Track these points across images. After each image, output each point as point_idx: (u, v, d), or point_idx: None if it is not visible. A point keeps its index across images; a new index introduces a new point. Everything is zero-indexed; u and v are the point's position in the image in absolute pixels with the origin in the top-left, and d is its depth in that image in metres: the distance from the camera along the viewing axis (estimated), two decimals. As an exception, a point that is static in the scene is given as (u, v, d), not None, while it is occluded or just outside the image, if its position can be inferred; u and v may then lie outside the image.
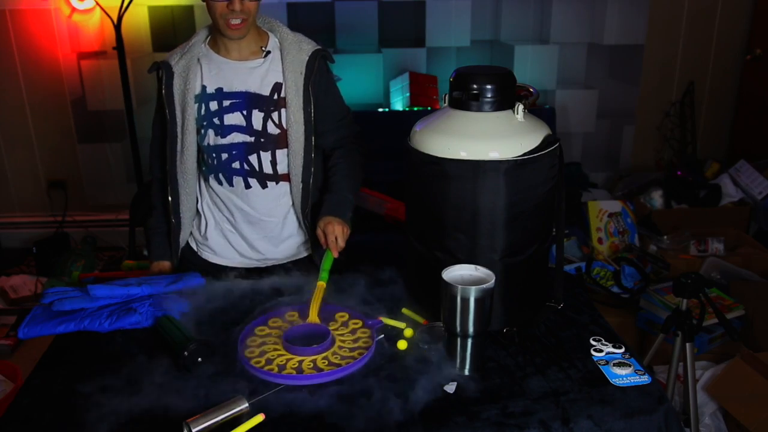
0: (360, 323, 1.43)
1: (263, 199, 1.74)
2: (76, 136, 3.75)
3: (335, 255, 1.60)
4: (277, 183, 1.74)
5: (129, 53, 3.34)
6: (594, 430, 1.10)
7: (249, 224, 1.78)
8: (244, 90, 1.68)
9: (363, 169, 1.83)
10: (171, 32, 3.64)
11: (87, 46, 3.58)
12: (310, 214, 1.76)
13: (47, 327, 1.38)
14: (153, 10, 3.58)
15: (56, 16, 3.51)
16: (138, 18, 3.52)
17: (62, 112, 3.69)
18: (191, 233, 1.86)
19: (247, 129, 1.69)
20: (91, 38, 3.57)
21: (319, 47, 1.75)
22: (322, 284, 1.49)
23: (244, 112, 1.69)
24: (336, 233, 1.63)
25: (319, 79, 1.72)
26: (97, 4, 3.33)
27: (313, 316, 1.41)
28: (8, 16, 3.52)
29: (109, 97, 3.56)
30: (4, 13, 3.51)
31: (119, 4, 3.16)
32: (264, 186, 1.73)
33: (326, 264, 1.55)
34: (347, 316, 1.45)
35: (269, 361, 1.28)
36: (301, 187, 1.73)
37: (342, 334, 1.38)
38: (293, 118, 1.68)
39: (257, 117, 1.69)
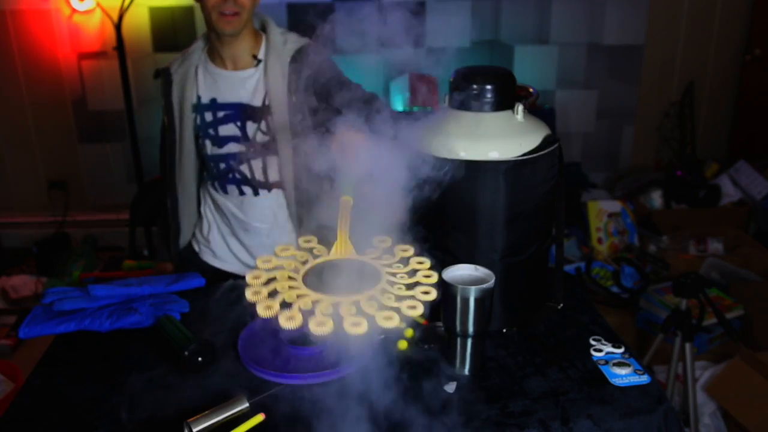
0: (410, 250, 1.13)
1: (256, 207, 1.73)
2: (76, 136, 3.76)
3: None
4: (269, 191, 1.72)
5: (129, 54, 3.35)
6: (594, 429, 1.10)
7: (244, 231, 1.78)
8: (237, 101, 1.67)
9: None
10: (171, 33, 3.64)
11: (87, 47, 3.58)
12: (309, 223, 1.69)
13: (47, 327, 1.38)
14: (153, 11, 3.58)
15: (56, 16, 3.51)
16: (138, 18, 3.52)
17: (63, 113, 3.70)
18: (194, 234, 1.87)
19: (243, 139, 1.68)
20: (92, 39, 3.57)
21: (303, 44, 1.66)
22: (347, 199, 1.18)
23: (238, 123, 1.67)
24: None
25: (310, 74, 1.60)
26: (98, 4, 3.34)
27: (343, 243, 1.12)
28: (8, 17, 3.52)
29: (109, 97, 3.56)
30: (4, 14, 3.51)
31: (119, 5, 3.17)
32: (256, 194, 1.72)
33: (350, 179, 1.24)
34: (389, 241, 1.17)
35: (286, 305, 1.01)
36: (294, 195, 1.69)
37: (389, 265, 1.11)
38: (279, 125, 1.64)
39: (251, 128, 1.67)
